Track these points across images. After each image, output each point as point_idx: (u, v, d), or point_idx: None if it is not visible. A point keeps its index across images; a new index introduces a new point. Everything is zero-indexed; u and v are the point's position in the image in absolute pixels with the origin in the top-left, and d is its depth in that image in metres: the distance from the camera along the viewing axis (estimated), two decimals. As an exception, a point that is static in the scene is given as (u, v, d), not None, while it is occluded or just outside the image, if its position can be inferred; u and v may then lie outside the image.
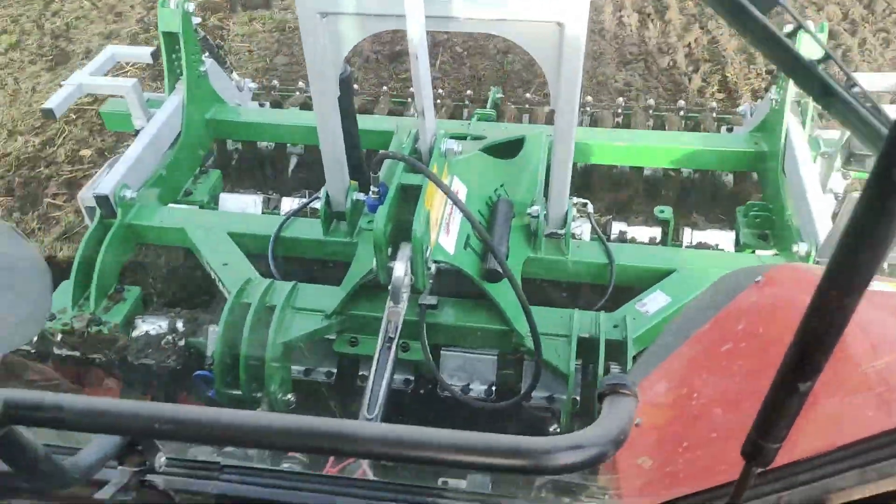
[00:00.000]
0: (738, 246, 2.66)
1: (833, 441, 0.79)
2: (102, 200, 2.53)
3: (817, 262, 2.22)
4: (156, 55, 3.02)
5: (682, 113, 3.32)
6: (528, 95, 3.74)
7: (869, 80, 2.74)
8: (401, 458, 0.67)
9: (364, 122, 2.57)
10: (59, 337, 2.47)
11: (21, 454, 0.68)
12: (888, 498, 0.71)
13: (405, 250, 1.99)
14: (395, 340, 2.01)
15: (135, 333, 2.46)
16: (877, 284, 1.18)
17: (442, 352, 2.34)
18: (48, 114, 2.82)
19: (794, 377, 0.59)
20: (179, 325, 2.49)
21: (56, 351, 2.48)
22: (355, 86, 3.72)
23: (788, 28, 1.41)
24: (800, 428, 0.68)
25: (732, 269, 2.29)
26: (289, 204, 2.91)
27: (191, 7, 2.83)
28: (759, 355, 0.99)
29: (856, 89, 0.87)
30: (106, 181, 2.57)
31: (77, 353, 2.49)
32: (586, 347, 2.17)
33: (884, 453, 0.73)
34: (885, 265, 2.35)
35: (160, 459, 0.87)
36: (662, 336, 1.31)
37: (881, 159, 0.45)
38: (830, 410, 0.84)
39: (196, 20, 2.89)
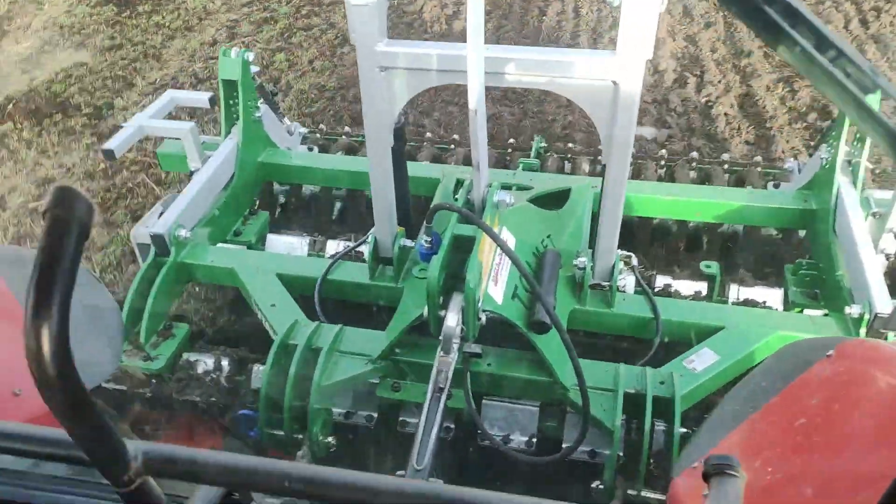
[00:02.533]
0: (787, 304, 2.62)
1: None
2: (158, 239, 2.60)
3: (871, 331, 2.18)
4: (213, 100, 3.13)
5: (725, 166, 3.32)
6: (570, 145, 3.78)
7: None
8: None
9: (410, 168, 2.63)
10: None
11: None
12: None
13: (457, 300, 2.00)
14: (446, 390, 2.01)
15: (180, 370, 2.50)
16: None
17: (483, 401, 2.33)
18: (108, 155, 2.92)
19: None
20: (225, 363, 2.52)
21: (103, 385, 2.53)
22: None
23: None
24: None
25: (782, 328, 2.29)
26: (334, 247, 2.96)
27: (251, 57, 2.94)
28: (837, 432, 0.98)
29: None
30: (162, 221, 2.65)
31: (124, 388, 2.53)
32: (631, 402, 2.14)
33: None
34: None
35: None
36: (727, 403, 1.29)
37: None
38: None
39: (254, 69, 3.00)
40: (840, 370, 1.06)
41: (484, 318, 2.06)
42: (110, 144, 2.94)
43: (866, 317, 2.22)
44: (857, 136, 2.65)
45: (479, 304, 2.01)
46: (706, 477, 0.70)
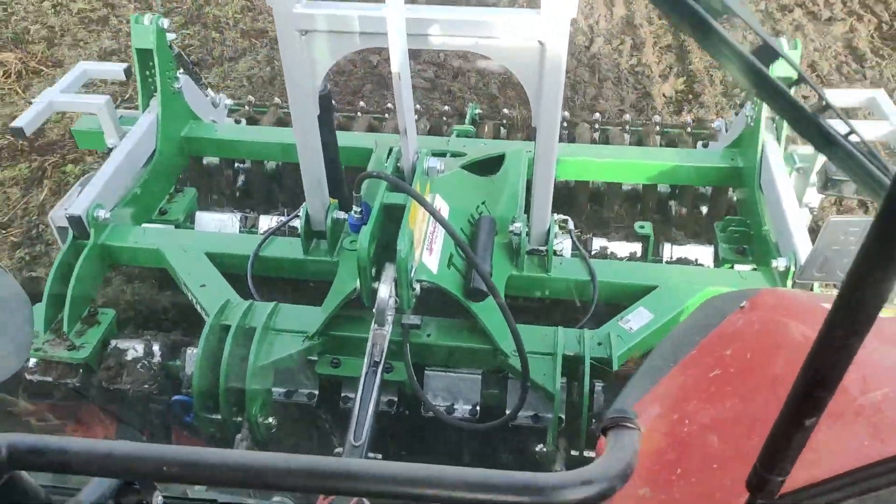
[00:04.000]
0: (718, 261, 2.68)
1: (830, 470, 0.79)
2: (75, 221, 2.46)
3: (796, 283, 2.25)
4: (129, 72, 2.96)
5: (657, 128, 3.36)
6: (505, 111, 3.76)
7: (841, 96, 2.80)
8: (408, 496, 0.66)
9: (342, 138, 2.56)
10: (31, 363, 2.39)
11: (24, 499, 0.66)
12: None
13: (389, 271, 1.97)
14: (381, 364, 1.98)
15: (109, 358, 2.39)
16: None
17: (426, 372, 2.32)
18: (18, 132, 2.74)
19: (800, 412, 0.60)
20: (156, 348, 2.43)
21: (28, 377, 2.40)
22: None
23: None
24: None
25: (712, 285, 2.35)
26: (267, 222, 2.87)
27: (165, 23, 2.78)
28: (748, 381, 1.00)
29: (853, 137, 0.90)
30: (79, 201, 2.51)
31: (49, 379, 2.41)
32: (570, 365, 2.17)
33: (881, 482, 0.74)
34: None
35: (157, 499, 0.84)
36: (650, 360, 1.31)
37: (883, 208, 0.45)
38: (826, 440, 0.84)
39: (171, 36, 2.84)
40: (752, 320, 1.08)
41: (418, 288, 2.03)
42: (19, 122, 2.76)
43: (792, 269, 2.29)
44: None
45: (413, 274, 1.98)
46: (604, 431, 0.71)
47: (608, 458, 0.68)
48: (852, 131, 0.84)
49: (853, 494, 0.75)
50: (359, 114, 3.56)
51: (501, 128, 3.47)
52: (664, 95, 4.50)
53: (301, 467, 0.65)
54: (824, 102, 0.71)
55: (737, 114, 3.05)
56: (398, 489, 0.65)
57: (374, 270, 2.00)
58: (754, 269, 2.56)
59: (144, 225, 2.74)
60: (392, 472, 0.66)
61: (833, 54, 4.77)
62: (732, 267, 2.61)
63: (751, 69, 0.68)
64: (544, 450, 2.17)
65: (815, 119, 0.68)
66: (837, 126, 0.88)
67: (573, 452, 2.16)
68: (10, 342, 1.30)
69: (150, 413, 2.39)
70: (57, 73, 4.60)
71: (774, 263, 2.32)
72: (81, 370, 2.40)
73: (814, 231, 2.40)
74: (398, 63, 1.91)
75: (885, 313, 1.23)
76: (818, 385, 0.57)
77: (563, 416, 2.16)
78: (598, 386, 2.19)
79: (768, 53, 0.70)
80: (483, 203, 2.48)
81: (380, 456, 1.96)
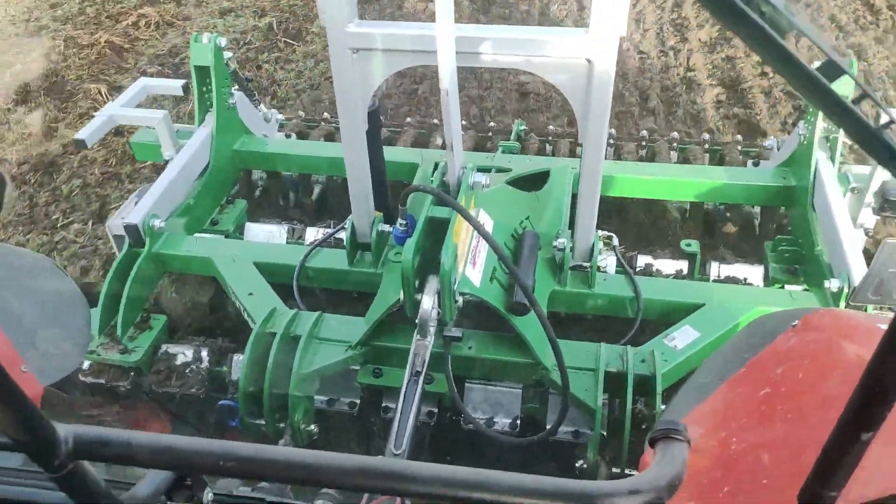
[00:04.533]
0: (768, 281, 2.62)
1: (883, 490, 0.77)
2: (132, 230, 2.56)
3: (850, 304, 2.18)
4: (186, 88, 3.08)
5: (706, 146, 3.31)
6: (550, 127, 3.76)
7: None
8: (461, 499, 0.67)
9: (389, 153, 2.60)
10: (85, 365, 2.49)
11: (86, 489, 0.70)
12: None
13: (433, 283, 1.98)
14: (423, 374, 1.99)
15: (159, 362, 2.47)
16: None
17: (466, 384, 2.32)
18: (80, 144, 2.88)
19: (856, 426, 0.59)
20: (204, 353, 2.50)
21: (82, 378, 2.50)
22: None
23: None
24: (857, 472, 0.66)
25: (762, 304, 2.29)
26: (313, 234, 2.93)
27: (223, 42, 2.89)
28: (800, 401, 0.97)
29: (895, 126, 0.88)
30: (136, 211, 2.61)
31: (102, 381, 2.50)
32: (613, 382, 2.14)
33: None
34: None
35: (208, 496, 0.87)
36: (697, 377, 1.29)
37: None
38: (881, 458, 0.82)
39: (227, 54, 2.95)
40: (805, 340, 1.06)
41: (461, 301, 2.05)
42: (82, 134, 2.89)
43: (845, 290, 2.22)
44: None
45: (455, 287, 1.99)
46: (652, 443, 0.70)
47: (657, 469, 0.68)
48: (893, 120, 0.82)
49: None
50: (405, 128, 3.62)
51: (547, 144, 3.47)
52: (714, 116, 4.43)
53: (355, 466, 0.66)
54: (889, 118, 0.71)
55: (789, 133, 3.00)
56: (450, 492, 0.66)
57: (417, 282, 2.03)
58: (806, 290, 2.49)
59: (196, 234, 2.83)
60: (445, 475, 0.67)
61: (852, 10, 5.44)
62: (783, 287, 2.55)
63: (816, 86, 0.68)
64: (584, 466, 2.14)
65: (881, 135, 0.67)
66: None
67: (614, 469, 2.13)
68: (70, 341, 1.37)
69: (201, 414, 2.45)
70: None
71: (827, 284, 2.26)
72: (133, 373, 2.48)
73: (868, 252, 2.33)
74: (447, 80, 1.94)
75: None
76: (876, 399, 0.56)
77: (605, 433, 2.14)
78: (642, 404, 2.16)
79: (833, 70, 0.70)
80: (527, 218, 2.49)
81: None
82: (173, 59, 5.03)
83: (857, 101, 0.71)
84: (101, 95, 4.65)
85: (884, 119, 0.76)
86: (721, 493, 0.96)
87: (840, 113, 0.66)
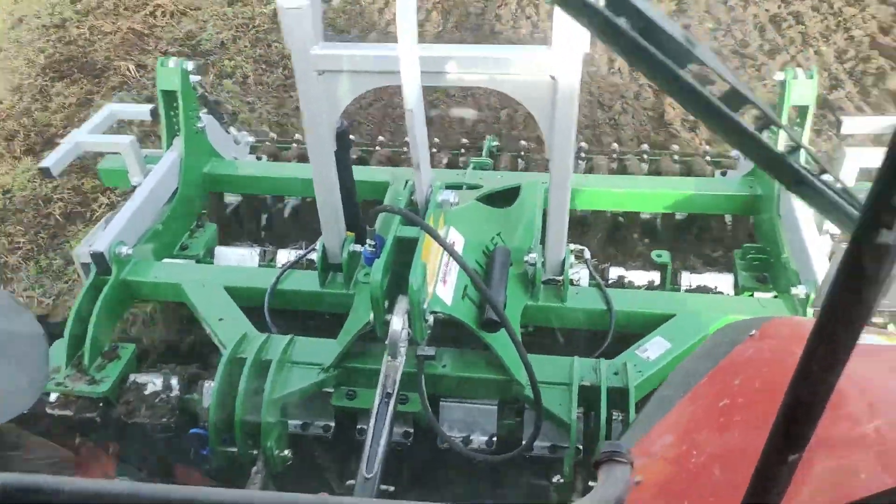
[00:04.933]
0: (738, 289, 2.64)
1: (832, 501, 0.77)
2: (98, 257, 2.52)
3: (815, 309, 2.21)
4: (154, 112, 3.06)
5: (675, 157, 3.35)
6: (522, 143, 3.79)
7: (854, 125, 2.78)
8: None
9: (360, 172, 2.60)
10: (52, 397, 2.43)
11: None
12: None
13: (402, 304, 1.97)
14: (394, 396, 1.97)
15: (128, 392, 2.42)
16: (873, 338, 1.17)
17: (441, 403, 2.30)
18: (45, 172, 2.83)
19: (782, 448, 0.59)
20: (174, 381, 2.45)
21: (49, 411, 2.44)
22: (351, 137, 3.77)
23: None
24: (798, 488, 0.66)
25: (732, 312, 2.31)
26: (285, 256, 2.91)
27: (190, 66, 2.88)
28: (756, 411, 0.98)
29: (826, 176, 0.91)
30: (102, 238, 2.57)
31: (70, 413, 2.44)
32: (588, 395, 2.14)
33: None
34: (886, 311, 2.34)
35: None
36: (663, 388, 1.29)
37: (852, 244, 0.46)
38: (828, 470, 0.82)
39: (195, 78, 2.93)
40: (762, 349, 1.06)
41: (431, 320, 2.04)
42: (47, 162, 2.85)
43: (812, 296, 2.25)
44: (797, 119, 2.69)
45: (425, 306, 1.99)
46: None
47: (599, 493, 0.67)
48: (824, 170, 0.84)
49: None
50: (378, 147, 3.62)
51: (519, 160, 3.49)
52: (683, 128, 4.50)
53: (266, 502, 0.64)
54: (795, 143, 0.72)
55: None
56: None
57: (387, 303, 2.01)
58: (775, 297, 2.52)
59: (165, 260, 2.79)
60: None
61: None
62: (752, 295, 2.58)
63: (717, 114, 0.68)
64: (561, 480, 2.13)
65: (785, 160, 0.68)
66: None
67: (591, 483, 2.12)
68: (25, 377, 1.33)
69: (154, 449, 2.40)
70: (199, 14, 5.74)
71: (795, 291, 2.29)
72: (101, 404, 2.43)
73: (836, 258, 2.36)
74: (412, 100, 1.95)
75: (890, 341, 1.20)
76: (799, 420, 0.56)
77: (581, 447, 2.13)
78: (617, 418, 2.16)
79: (737, 98, 0.70)
80: (498, 234, 2.49)
81: (392, 489, 1.94)
82: (191, 42, 5.51)
83: (761, 127, 0.72)
84: (130, 72, 5.18)
85: (782, 142, 0.77)
86: None
87: (743, 139, 0.67)
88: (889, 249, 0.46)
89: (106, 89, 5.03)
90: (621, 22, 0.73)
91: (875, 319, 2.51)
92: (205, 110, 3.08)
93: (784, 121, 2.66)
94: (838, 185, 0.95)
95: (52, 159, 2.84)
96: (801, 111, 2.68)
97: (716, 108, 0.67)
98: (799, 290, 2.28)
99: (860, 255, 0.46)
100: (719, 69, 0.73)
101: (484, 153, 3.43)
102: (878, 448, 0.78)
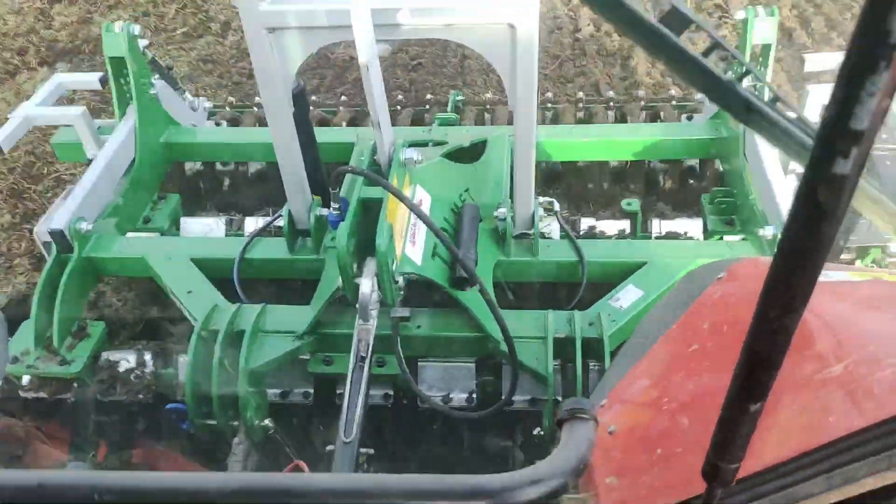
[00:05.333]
0: (707, 233, 2.66)
1: (802, 445, 0.77)
2: (57, 235, 2.45)
3: None
4: (104, 81, 2.94)
5: (642, 103, 3.32)
6: (488, 95, 3.72)
7: (821, 61, 2.76)
8: None
9: (322, 135, 2.53)
10: (25, 380, 2.39)
11: None
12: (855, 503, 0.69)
13: (370, 266, 1.95)
14: (368, 359, 1.97)
15: (101, 371, 2.39)
16: (842, 275, 1.17)
17: (419, 363, 2.31)
18: (-6, 149, 2.72)
19: (743, 399, 0.58)
20: (148, 357, 2.42)
21: (23, 394, 2.40)
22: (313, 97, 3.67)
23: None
24: (766, 433, 0.66)
25: (701, 256, 2.32)
26: (253, 224, 2.85)
27: (137, 30, 2.75)
28: (725, 355, 0.97)
29: (780, 105, 0.88)
30: (59, 215, 2.49)
31: (44, 395, 2.41)
32: (563, 347, 2.15)
33: (851, 455, 0.72)
34: (853, 246, 2.37)
35: None
36: (635, 335, 1.29)
37: (806, 176, 0.43)
38: (797, 412, 0.82)
39: (143, 42, 2.81)
40: (730, 291, 1.06)
41: (401, 281, 2.02)
42: (-6, 139, 2.73)
43: (779, 237, 2.26)
44: (760, 59, 2.66)
45: (394, 268, 1.96)
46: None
47: (561, 454, 0.66)
48: (777, 98, 0.81)
49: (822, 472, 0.72)
50: (340, 108, 3.53)
51: (486, 113, 3.43)
52: (649, 76, 4.45)
53: (241, 486, 0.62)
54: (745, 69, 0.68)
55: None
56: (346, 502, 0.63)
57: (355, 266, 1.99)
58: (744, 240, 2.54)
59: (129, 234, 2.72)
60: (334, 486, 0.64)
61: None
62: (721, 238, 2.59)
63: (656, 35, 0.64)
64: (541, 433, 2.16)
65: (733, 86, 0.64)
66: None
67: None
68: None
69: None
70: None
71: (762, 232, 2.30)
72: (76, 384, 2.39)
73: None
74: (366, 55, 1.88)
75: (858, 277, 1.21)
76: (759, 369, 0.54)
77: (560, 399, 2.15)
78: (594, 367, 2.18)
79: (679, 19, 0.65)
80: (466, 190, 2.46)
81: (371, 451, 1.95)
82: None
83: (707, 52, 0.68)
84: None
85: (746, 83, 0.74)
86: (654, 457, 0.96)
87: (686, 65, 0.63)
88: (846, 180, 0.42)
89: (103, 7, 5.26)
90: None
91: (843, 256, 2.55)
92: (156, 76, 2.96)
93: (747, 59, 2.63)
94: (791, 114, 0.93)
95: (1, 136, 2.72)
96: (764, 50, 2.65)
97: (656, 31, 0.62)
98: (766, 231, 2.29)
99: (815, 186, 0.43)
100: None
101: (449, 108, 3.36)
102: (848, 387, 0.78)
